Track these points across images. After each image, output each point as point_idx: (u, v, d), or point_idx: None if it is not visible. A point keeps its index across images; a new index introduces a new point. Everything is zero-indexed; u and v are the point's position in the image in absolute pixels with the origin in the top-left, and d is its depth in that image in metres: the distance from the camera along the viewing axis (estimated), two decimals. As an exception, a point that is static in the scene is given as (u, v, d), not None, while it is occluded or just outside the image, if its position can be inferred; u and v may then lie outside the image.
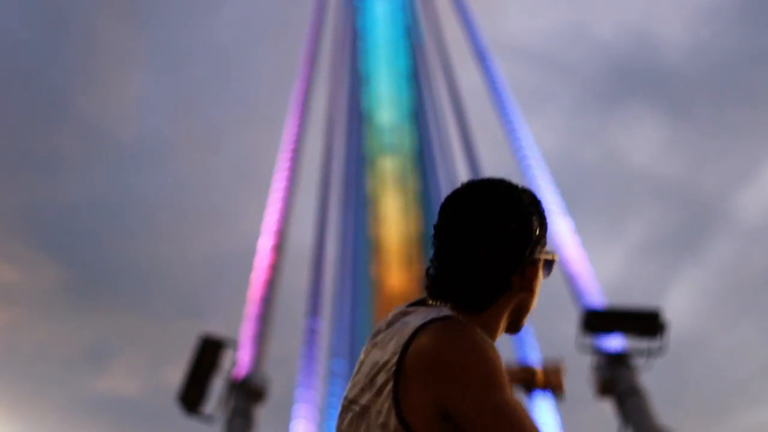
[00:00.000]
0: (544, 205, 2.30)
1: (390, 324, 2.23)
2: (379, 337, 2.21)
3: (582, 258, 18.05)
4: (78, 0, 69.87)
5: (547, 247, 2.28)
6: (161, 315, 62.82)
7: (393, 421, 2.05)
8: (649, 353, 13.67)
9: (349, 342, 23.39)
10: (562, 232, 18.84)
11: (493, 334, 2.21)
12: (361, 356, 2.26)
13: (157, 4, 72.79)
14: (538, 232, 2.22)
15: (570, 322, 15.04)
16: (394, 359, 2.08)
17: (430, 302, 2.22)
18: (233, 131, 68.63)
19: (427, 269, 2.25)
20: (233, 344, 14.24)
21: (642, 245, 65.50)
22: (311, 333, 20.41)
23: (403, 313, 2.22)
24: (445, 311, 2.15)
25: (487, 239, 2.15)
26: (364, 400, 2.14)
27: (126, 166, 66.50)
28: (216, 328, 17.16)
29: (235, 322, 17.69)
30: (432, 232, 2.25)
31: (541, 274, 2.26)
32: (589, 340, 14.48)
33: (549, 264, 2.29)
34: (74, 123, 65.96)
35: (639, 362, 14.16)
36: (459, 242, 2.17)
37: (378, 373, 2.11)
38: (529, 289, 2.23)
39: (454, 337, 2.03)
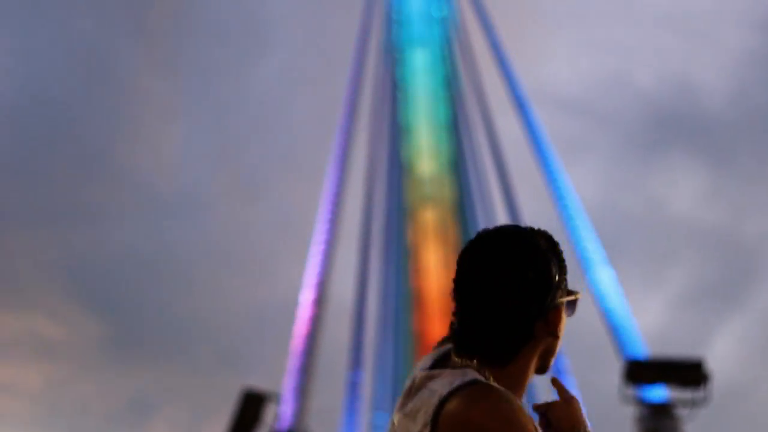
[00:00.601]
0: (561, 246, 2.26)
1: (416, 390, 2.20)
2: (408, 407, 2.19)
3: (623, 308, 17.94)
4: (117, 53, 71.09)
5: (569, 288, 2.24)
6: (202, 368, 62.96)
7: None
8: (693, 404, 13.53)
9: (392, 395, 23.30)
10: (604, 282, 18.74)
11: (521, 384, 2.20)
12: (392, 425, 2.24)
13: (196, 55, 73.82)
14: (557, 277, 2.18)
15: (612, 373, 14.92)
16: (426, 431, 2.08)
17: (456, 359, 2.20)
18: (273, 182, 69.13)
19: (451, 323, 2.24)
20: (275, 398, 14.27)
21: (684, 294, 64.80)
22: (353, 386, 20.39)
23: (428, 378, 2.20)
24: (470, 375, 2.12)
25: (506, 291, 2.13)
26: None
27: (166, 217, 67.09)
28: (258, 382, 17.24)
29: (277, 375, 17.73)
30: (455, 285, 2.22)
31: (564, 316, 2.23)
32: (632, 391, 14.34)
33: (572, 304, 2.25)
34: (114, 176, 66.79)
35: (683, 413, 13.99)
36: (477, 296, 2.16)
37: None
38: (553, 335, 2.19)
39: (482, 404, 2.01)
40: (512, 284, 2.13)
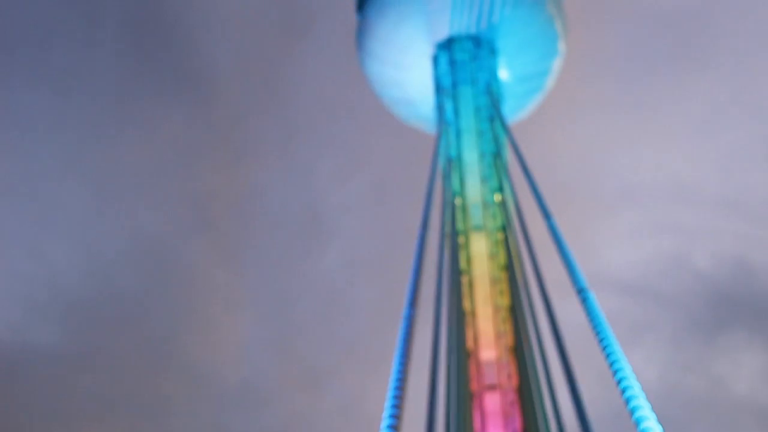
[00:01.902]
0: None
1: None
2: None
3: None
4: (181, 244, 72.93)
5: None
6: None
7: None
8: None
9: None
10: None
11: None
12: None
13: (258, 245, 75.41)
14: None
15: None
16: None
17: None
18: (335, 369, 69.11)
19: None
20: None
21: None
22: None
23: None
24: None
25: None
26: None
27: (230, 407, 67.03)
28: None
29: None
30: None
31: None
32: None
33: None
34: (179, 366, 67.33)
35: None
36: None
37: None
38: None
39: None
40: None
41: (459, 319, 32.80)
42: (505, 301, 34.24)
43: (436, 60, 42.64)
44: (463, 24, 41.45)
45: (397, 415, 22.11)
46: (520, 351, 31.60)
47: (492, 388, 30.65)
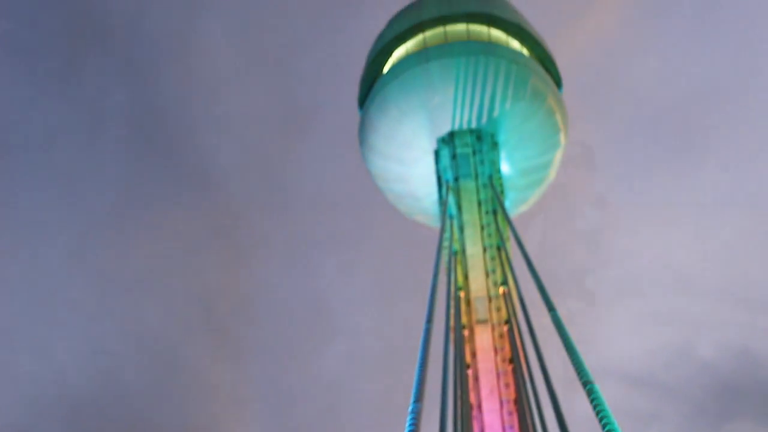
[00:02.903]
0: None
1: None
2: None
3: None
4: (185, 343, 72.60)
5: None
6: None
7: None
8: None
9: None
10: None
11: None
12: None
13: (263, 343, 75.07)
14: None
15: None
16: None
17: None
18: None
19: None
20: None
21: None
22: None
23: None
24: None
25: None
26: None
27: None
28: None
29: None
30: None
31: None
32: None
33: None
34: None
35: None
36: None
37: None
38: None
39: None
40: None
41: (465, 413, 32.51)
42: (510, 394, 33.98)
43: (438, 154, 42.97)
44: (465, 118, 41.88)
45: None
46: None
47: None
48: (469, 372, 35.24)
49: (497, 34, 43.23)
